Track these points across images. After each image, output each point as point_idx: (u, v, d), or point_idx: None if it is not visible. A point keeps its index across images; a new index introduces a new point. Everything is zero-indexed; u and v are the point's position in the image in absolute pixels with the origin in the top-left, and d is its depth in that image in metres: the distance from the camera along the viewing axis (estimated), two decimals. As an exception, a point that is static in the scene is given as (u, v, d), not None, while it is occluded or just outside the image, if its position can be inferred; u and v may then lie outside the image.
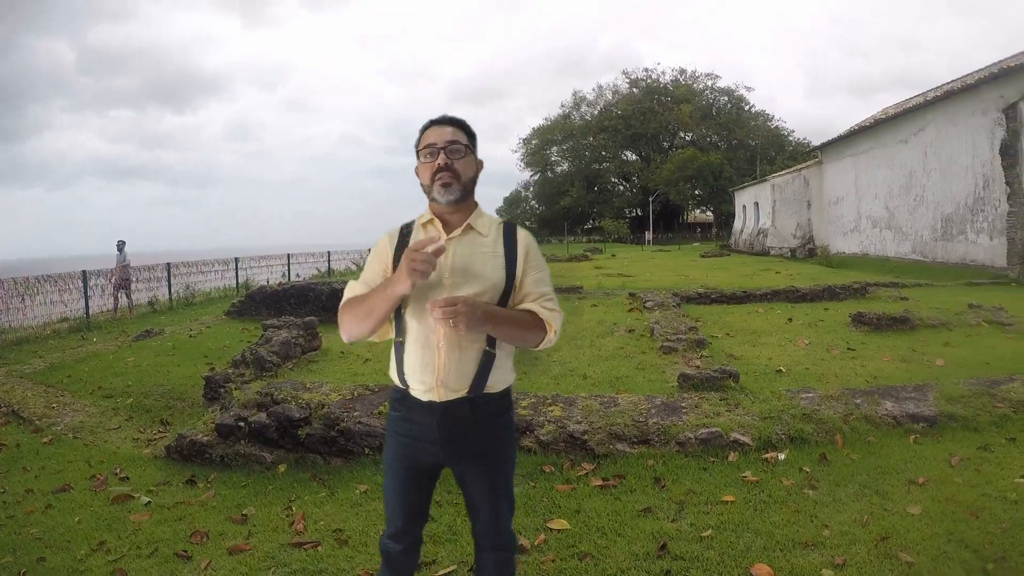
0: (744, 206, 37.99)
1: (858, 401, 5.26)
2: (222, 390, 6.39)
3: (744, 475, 4.10)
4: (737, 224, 39.76)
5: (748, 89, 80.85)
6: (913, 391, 5.59)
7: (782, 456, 4.39)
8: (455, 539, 3.42)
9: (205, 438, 4.95)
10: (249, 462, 4.69)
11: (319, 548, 3.43)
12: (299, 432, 4.75)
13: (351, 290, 2.10)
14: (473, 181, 2.05)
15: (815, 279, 15.51)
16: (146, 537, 3.69)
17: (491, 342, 1.98)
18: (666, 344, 7.48)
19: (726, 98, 69.14)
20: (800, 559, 3.13)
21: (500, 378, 2.03)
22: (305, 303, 13.59)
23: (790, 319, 9.79)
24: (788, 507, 3.69)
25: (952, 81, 22.74)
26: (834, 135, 28.18)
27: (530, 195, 76.30)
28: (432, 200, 2.02)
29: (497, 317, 1.91)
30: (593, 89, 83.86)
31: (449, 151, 1.98)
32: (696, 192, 63.51)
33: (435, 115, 2.10)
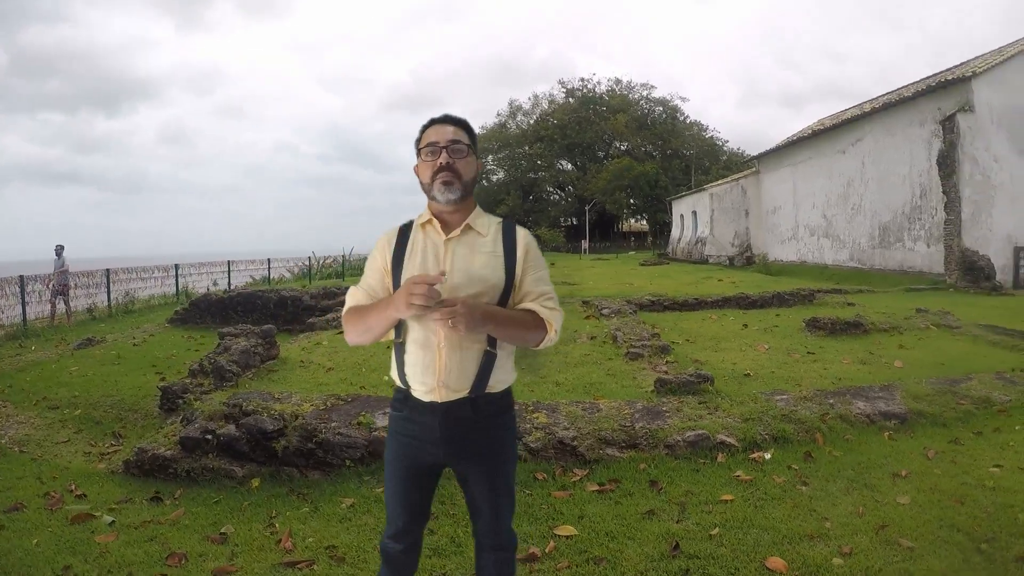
0: (682, 215, 39.21)
1: (831, 401, 5.58)
2: (180, 401, 6.29)
3: (737, 475, 4.29)
4: (675, 233, 40.98)
5: (683, 99, 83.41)
6: (880, 391, 5.96)
7: (768, 456, 4.62)
8: (460, 551, 3.45)
9: (168, 452, 4.82)
10: (218, 477, 4.60)
11: (315, 567, 3.37)
12: (273, 445, 4.67)
13: (352, 297, 2.15)
14: (474, 181, 2.10)
15: (759, 286, 16.20)
16: (116, 560, 3.55)
17: (492, 342, 2.03)
18: (632, 350, 7.69)
19: (661, 108, 71.19)
20: (809, 550, 3.32)
21: (501, 378, 2.09)
22: (252, 311, 13.68)
23: (745, 325, 10.21)
24: (786, 503, 3.89)
25: (889, 93, 24.26)
26: (765, 145, 29.64)
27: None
28: (432, 199, 2.06)
29: (497, 317, 1.95)
30: (529, 98, 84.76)
31: (451, 150, 2.03)
32: (631, 201, 65.06)
33: (436, 115, 2.14)
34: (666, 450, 4.62)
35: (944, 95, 17.56)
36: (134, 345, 10.70)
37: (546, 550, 3.36)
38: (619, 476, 4.28)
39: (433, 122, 2.10)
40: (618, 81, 72.71)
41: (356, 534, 3.73)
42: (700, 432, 4.73)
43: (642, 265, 32.20)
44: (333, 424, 4.89)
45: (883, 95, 24.48)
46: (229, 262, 24.10)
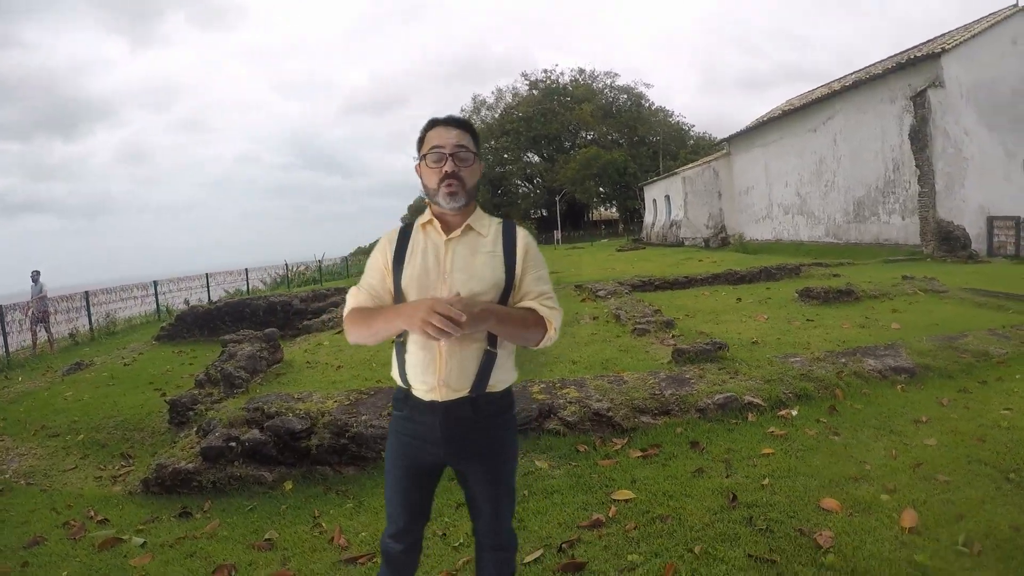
0: (655, 200, 39.70)
1: (843, 361, 5.86)
2: (191, 413, 6.23)
3: (770, 431, 4.53)
4: (648, 218, 41.48)
5: (647, 86, 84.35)
6: (886, 350, 6.26)
7: (795, 412, 4.87)
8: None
9: (190, 465, 4.71)
10: (246, 484, 4.52)
11: (376, 559, 3.34)
12: (303, 444, 4.63)
13: (354, 297, 2.16)
14: (477, 187, 2.11)
15: (743, 263, 16.58)
16: None
17: (492, 342, 2.04)
18: (638, 327, 7.92)
19: (625, 96, 71.76)
20: (856, 491, 3.56)
21: (501, 378, 2.09)
22: (241, 320, 13.58)
23: (739, 299, 10.52)
24: (823, 452, 4.14)
25: (858, 71, 24.86)
26: (730, 128, 30.37)
27: (434, 202, 76.11)
28: (435, 204, 2.08)
29: (498, 314, 1.96)
30: (492, 92, 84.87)
31: (457, 157, 2.03)
32: (601, 190, 65.61)
33: (440, 115, 2.14)
34: (698, 414, 4.84)
35: (914, 72, 18.12)
36: (125, 365, 10.62)
37: (609, 514, 3.50)
38: (659, 441, 4.47)
39: (436, 123, 2.09)
40: (581, 71, 73.18)
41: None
42: (728, 395, 4.96)
43: (619, 251, 32.64)
44: (363, 418, 4.88)
45: (852, 73, 25.12)
46: (207, 275, 23.85)
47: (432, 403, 2.05)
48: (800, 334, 7.49)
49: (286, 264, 31.86)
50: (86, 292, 17.41)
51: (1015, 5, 17.97)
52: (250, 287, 26.60)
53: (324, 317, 11.54)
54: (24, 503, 4.91)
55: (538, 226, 66.96)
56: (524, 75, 77.46)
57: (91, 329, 16.77)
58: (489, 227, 2.11)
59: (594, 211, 76.72)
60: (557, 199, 62.77)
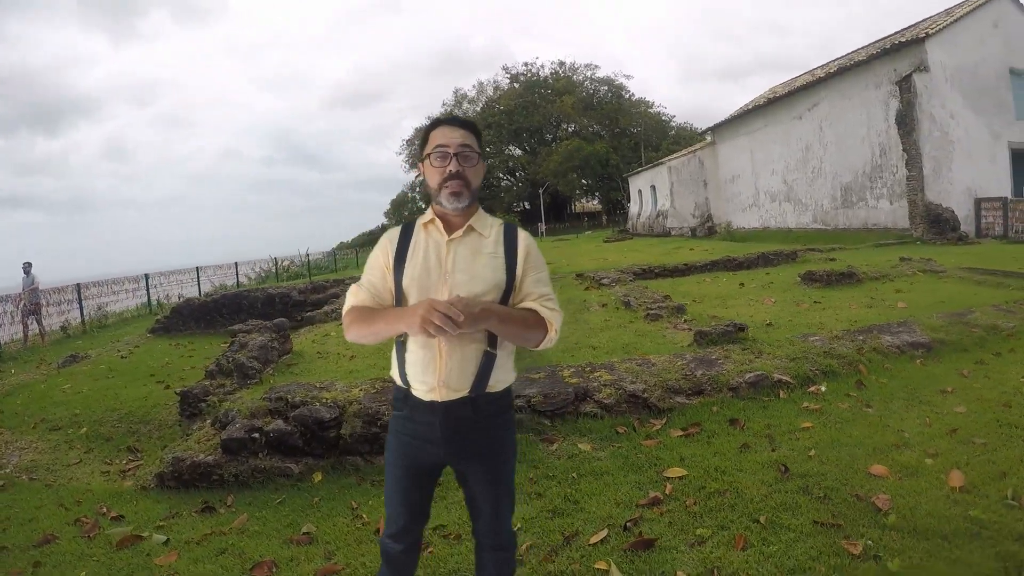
0: (640, 190, 39.94)
1: (861, 338, 6.03)
2: (203, 404, 6.09)
3: (804, 406, 4.67)
4: (633, 209, 41.73)
5: (627, 78, 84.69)
6: (899, 327, 6.43)
7: (824, 388, 5.01)
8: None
9: (209, 458, 4.57)
10: (271, 477, 4.41)
11: (432, 550, 3.32)
12: (331, 434, 4.54)
13: (354, 295, 2.17)
14: (480, 187, 2.12)
15: (738, 250, 16.79)
16: None
17: (492, 342, 2.05)
18: (650, 313, 8.05)
19: (606, 88, 71.98)
20: (901, 456, 3.71)
21: (501, 378, 2.10)
22: (239, 312, 13.45)
23: (741, 284, 10.70)
24: (861, 423, 4.29)
25: (841, 57, 25.23)
26: (711, 118, 30.74)
27: (417, 196, 76.20)
28: (438, 204, 2.09)
29: (499, 314, 1.98)
30: (474, 86, 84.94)
31: (461, 157, 2.04)
32: (584, 182, 65.89)
33: (443, 115, 2.25)
34: (730, 392, 4.96)
35: (898, 57, 18.43)
36: (122, 358, 10.56)
37: (666, 492, 3.58)
38: (697, 420, 4.57)
39: (440, 123, 2.10)
40: (561, 63, 73.32)
41: (459, 512, 3.68)
42: (758, 373, 5.09)
43: (606, 242, 32.84)
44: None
45: (835, 60, 25.46)
46: (198, 268, 23.72)
47: (432, 403, 2.06)
48: (811, 315, 7.66)
49: (275, 259, 31.77)
50: (78, 285, 17.21)
51: (995, -11, 18.32)
52: (238, 281, 26.50)
53: (326, 308, 11.53)
54: (29, 499, 4.78)
55: (521, 219, 67.13)
56: (505, 68, 77.38)
57: (83, 322, 16.66)
58: (491, 228, 2.12)
59: (577, 203, 76.99)
60: (540, 191, 62.89)
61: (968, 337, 6.13)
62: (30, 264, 15.23)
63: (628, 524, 3.27)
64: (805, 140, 23.55)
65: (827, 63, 26.07)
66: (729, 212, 30.34)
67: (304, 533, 3.64)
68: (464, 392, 2.04)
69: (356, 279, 2.41)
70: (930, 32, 17.69)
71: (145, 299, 20.07)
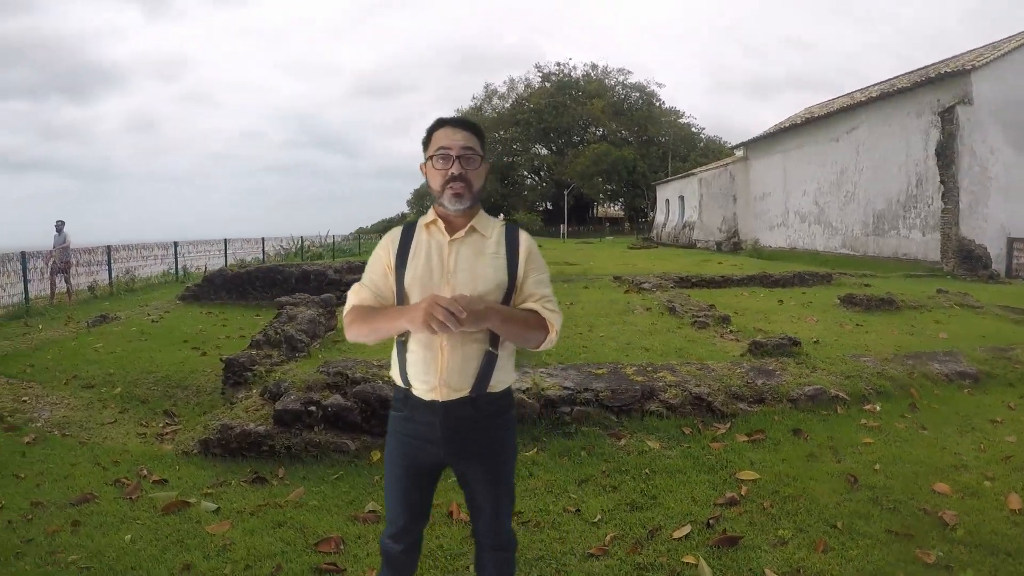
0: (667, 200, 40.03)
1: (911, 363, 6.19)
2: (248, 374, 6.06)
3: (863, 423, 4.86)
4: (659, 218, 41.82)
5: (659, 86, 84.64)
6: (945, 356, 6.58)
7: (878, 407, 5.20)
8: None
9: (260, 428, 4.53)
10: (325, 452, 4.39)
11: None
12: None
13: (355, 294, 2.18)
14: (483, 189, 2.13)
15: (764, 268, 16.92)
16: (247, 552, 3.25)
17: (493, 342, 2.06)
18: (697, 320, 8.25)
19: (638, 94, 72.01)
20: (960, 477, 3.91)
21: (501, 378, 2.11)
22: (272, 286, 13.36)
23: (780, 301, 10.85)
24: (918, 444, 4.47)
25: (881, 83, 25.25)
26: (736, 132, 30.88)
27: (438, 188, 76.34)
28: (440, 205, 2.10)
29: (502, 314, 1.99)
30: (504, 82, 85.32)
31: (464, 159, 2.04)
32: (608, 187, 65.99)
33: (446, 115, 2.16)
34: (789, 403, 5.15)
35: (943, 87, 18.43)
36: (152, 322, 10.62)
37: (742, 493, 3.76)
38: (761, 427, 4.74)
39: (443, 123, 2.10)
40: (594, 66, 73.38)
41: (533, 497, 3.79)
42: (817, 387, 5.28)
43: (631, 248, 32.97)
44: None
45: (876, 84, 25.45)
46: (225, 240, 23.99)
47: (432, 403, 2.07)
48: (855, 337, 7.82)
49: (300, 238, 32.17)
50: (108, 247, 17.31)
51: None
52: (264, 257, 26.77)
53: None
54: (62, 455, 4.71)
55: (543, 219, 67.29)
56: (537, 67, 77.55)
57: (110, 284, 16.65)
58: (492, 229, 2.13)
59: (599, 207, 77.08)
60: (566, 192, 63.00)
61: (1012, 372, 6.26)
62: (63, 222, 15.12)
63: (710, 521, 3.41)
64: (840, 163, 23.58)
65: (867, 87, 26.07)
66: (756, 229, 30.39)
67: (370, 511, 3.62)
68: (465, 392, 2.06)
69: None
70: (976, 65, 17.68)
71: (168, 266, 20.14)
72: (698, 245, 32.68)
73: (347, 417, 4.56)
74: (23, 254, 13.82)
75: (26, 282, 13.58)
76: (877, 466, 4.08)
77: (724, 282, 12.94)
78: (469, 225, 2.09)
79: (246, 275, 13.90)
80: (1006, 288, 14.65)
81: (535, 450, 4.43)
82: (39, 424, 5.49)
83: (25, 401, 6.05)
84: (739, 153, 35.22)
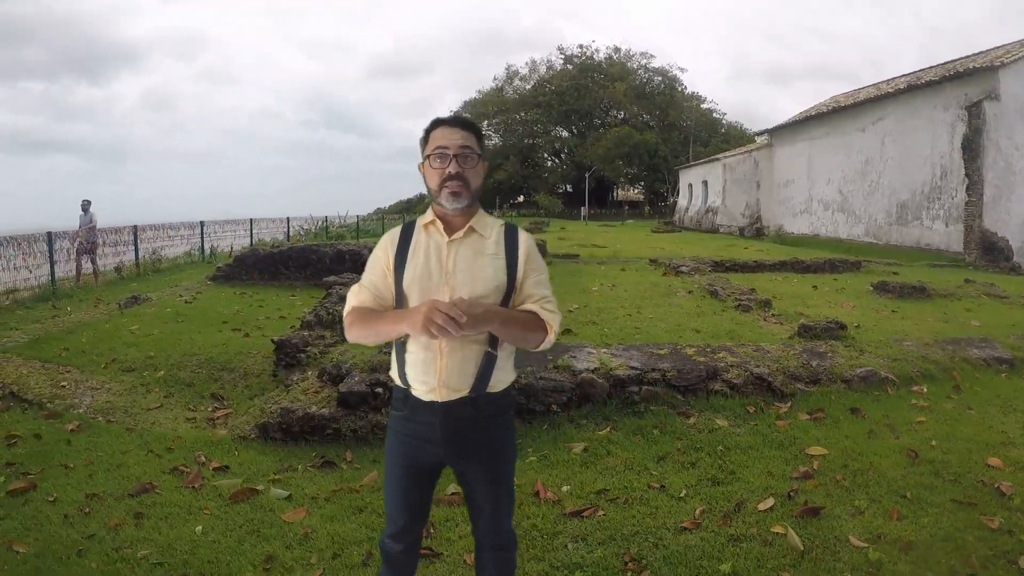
0: (691, 184, 39.95)
1: (950, 348, 6.40)
2: (302, 355, 5.93)
3: (913, 403, 5.09)
4: (682, 202, 41.76)
5: (681, 70, 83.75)
6: (981, 342, 6.77)
7: (925, 389, 5.43)
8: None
9: (324, 410, 4.44)
10: None
11: (601, 512, 3.41)
12: None
13: (355, 295, 2.14)
14: (481, 188, 2.09)
15: (785, 255, 17.03)
16: (331, 540, 3.18)
17: (492, 343, 2.04)
18: (741, 304, 8.48)
19: (660, 78, 71.30)
20: (1011, 453, 4.15)
21: (501, 378, 2.09)
22: (306, 266, 13.05)
23: (814, 287, 11.03)
24: (967, 423, 4.71)
25: (906, 75, 25.03)
26: (756, 119, 31.01)
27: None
28: (438, 204, 2.07)
29: (501, 316, 1.96)
30: (526, 63, 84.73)
31: (461, 158, 2.00)
32: (629, 170, 65.75)
33: (444, 114, 2.30)
34: (843, 384, 5.39)
35: (970, 82, 18.35)
36: (186, 303, 10.29)
37: (814, 467, 3.96)
38: (820, 406, 4.95)
39: (440, 123, 2.07)
40: (617, 49, 72.63)
41: (614, 475, 3.86)
42: (869, 369, 5.52)
43: (654, 232, 33.03)
44: (529, 368, 4.84)
45: (903, 76, 25.23)
46: (251, 220, 23.69)
47: (432, 403, 2.04)
48: (893, 323, 8.01)
49: (326, 218, 32.36)
50: (134, 226, 16.80)
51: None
52: (288, 235, 26.60)
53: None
54: (110, 443, 4.51)
55: (564, 201, 67.24)
56: (560, 49, 77.17)
57: (137, 264, 16.08)
58: (491, 229, 2.09)
59: (619, 191, 76.84)
60: (587, 175, 62.88)
61: (1047, 358, 6.47)
62: (89, 202, 14.41)
63: (790, 494, 3.58)
64: (866, 153, 23.51)
65: (893, 79, 25.86)
66: (779, 215, 30.35)
67: (452, 494, 3.56)
68: (464, 392, 2.03)
69: None
70: (1004, 61, 17.58)
71: (191, 247, 19.55)
72: (721, 230, 32.70)
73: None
74: (49, 234, 13.16)
75: (52, 263, 12.95)
76: (933, 442, 4.32)
77: (757, 267, 13.13)
78: (468, 225, 2.05)
79: (279, 255, 13.38)
80: (1029, 280, 14.74)
81: (608, 429, 4.53)
82: (81, 410, 5.24)
83: (64, 386, 5.80)
84: (763, 140, 35.04)
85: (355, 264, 12.79)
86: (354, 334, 2.08)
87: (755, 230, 31.09)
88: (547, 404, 4.69)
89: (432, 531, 3.26)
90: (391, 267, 2.07)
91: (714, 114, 69.57)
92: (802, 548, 3.06)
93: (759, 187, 31.86)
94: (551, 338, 2.07)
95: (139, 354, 6.89)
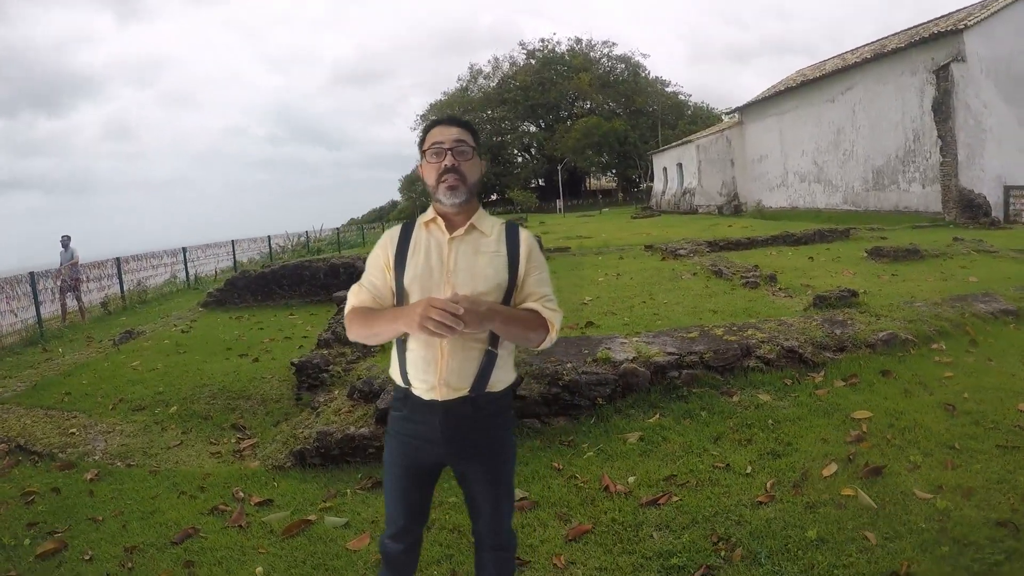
0: (665, 168, 40.39)
1: (958, 305, 6.68)
2: (324, 375, 5.82)
3: (936, 360, 5.35)
4: (657, 186, 42.20)
5: (644, 56, 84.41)
6: (984, 297, 7.07)
7: (944, 346, 5.70)
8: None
9: (363, 430, 4.37)
10: None
11: (676, 498, 3.46)
12: None
13: (355, 295, 2.14)
14: (478, 183, 2.10)
15: (767, 229, 17.39)
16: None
17: (493, 342, 2.03)
18: (748, 281, 8.73)
19: (623, 66, 71.86)
20: (1037, 399, 4.42)
21: (501, 377, 2.08)
22: (300, 283, 12.84)
23: (811, 258, 11.36)
24: (991, 373, 4.97)
25: (872, 43, 25.59)
26: (719, 98, 31.05)
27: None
28: (437, 201, 2.07)
29: (503, 315, 1.96)
30: (489, 61, 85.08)
31: (456, 152, 2.02)
32: (600, 159, 66.23)
33: (441, 116, 2.44)
34: (868, 349, 5.61)
35: (936, 46, 18.88)
36: (183, 332, 10.00)
37: (863, 430, 4.14)
38: (852, 372, 5.12)
39: (437, 123, 2.11)
40: (578, 40, 73.10)
41: (675, 460, 3.94)
42: (890, 332, 5.77)
43: (634, 218, 33.34)
44: (569, 365, 4.86)
45: (868, 45, 25.79)
46: (233, 242, 23.40)
47: (432, 403, 2.04)
48: (896, 286, 8.32)
49: (306, 233, 32.29)
50: (117, 259, 16.20)
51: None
52: (271, 254, 26.25)
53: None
54: (137, 489, 4.29)
55: (538, 195, 67.54)
56: (521, 44, 77.59)
57: (123, 297, 15.51)
58: (492, 227, 2.10)
59: (591, 180, 77.33)
60: (559, 167, 63.21)
61: (1047, 307, 6.79)
62: (69, 237, 13.93)
63: (850, 457, 3.72)
64: (837, 123, 24.03)
65: (858, 48, 26.41)
66: (756, 191, 30.86)
67: (520, 498, 3.54)
68: (465, 391, 2.03)
69: None
70: (968, 24, 18.09)
71: (173, 274, 19.08)
72: (700, 210, 33.15)
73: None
74: (32, 274, 12.59)
75: (37, 305, 12.41)
76: (965, 395, 4.57)
77: (750, 244, 13.44)
78: (469, 223, 2.06)
79: (271, 275, 13.09)
80: (1010, 233, 15.16)
81: (656, 416, 4.58)
82: (97, 457, 4.99)
83: (73, 433, 5.55)
84: (732, 118, 35.58)
85: (350, 277, 12.11)
86: (354, 334, 2.09)
87: (733, 207, 31.56)
88: (592, 398, 4.73)
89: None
90: (391, 265, 2.07)
91: (680, 96, 70.25)
92: (875, 506, 3.24)
93: (733, 165, 32.37)
94: (552, 337, 2.07)
95: (147, 391, 6.63)
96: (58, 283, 13.43)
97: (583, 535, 3.19)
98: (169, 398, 6.31)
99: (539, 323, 2.03)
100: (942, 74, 18.09)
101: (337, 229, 36.40)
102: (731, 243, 13.44)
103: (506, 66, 74.37)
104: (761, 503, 3.37)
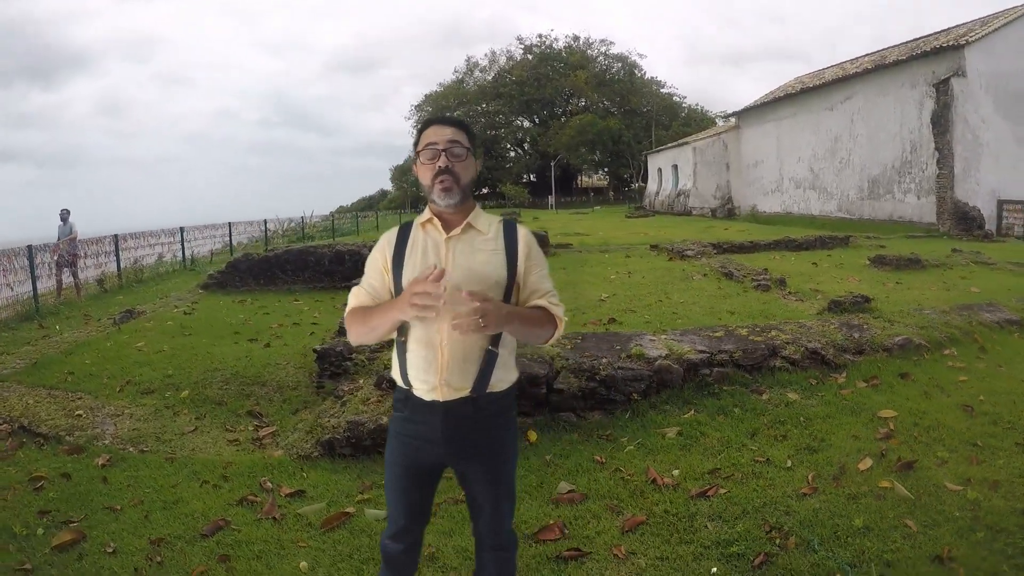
0: (660, 169, 40.79)
1: (965, 313, 7.01)
2: (347, 363, 5.72)
3: (950, 365, 5.66)
4: (651, 187, 42.60)
5: (641, 56, 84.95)
6: (988, 307, 7.41)
7: (955, 352, 6.02)
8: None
9: None
10: None
11: (723, 490, 3.56)
12: (541, 391, 4.48)
13: (355, 296, 2.15)
14: (473, 183, 2.10)
15: (763, 233, 17.79)
16: (461, 558, 3.08)
17: (494, 341, 2.04)
18: (759, 284, 9.03)
19: (620, 64, 72.25)
20: (1051, 402, 4.74)
21: (502, 377, 2.09)
22: (304, 269, 12.73)
23: (815, 263, 11.70)
24: (1003, 378, 5.28)
25: (873, 53, 26.08)
26: (714, 101, 31.75)
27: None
28: (432, 202, 2.07)
29: (520, 316, 1.99)
30: (486, 55, 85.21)
31: (450, 153, 2.02)
32: (592, 157, 66.64)
33: (436, 115, 2.25)
34: (884, 352, 5.90)
35: (937, 60, 19.35)
36: (185, 315, 9.77)
37: (891, 428, 4.39)
38: (872, 373, 5.38)
39: (431, 123, 2.10)
40: (576, 37, 73.44)
41: (715, 455, 4.03)
42: (905, 337, 6.07)
43: (628, 218, 33.70)
44: (604, 360, 4.90)
45: (868, 55, 26.28)
46: (230, 224, 23.27)
47: (432, 403, 2.04)
48: (902, 294, 8.65)
49: (302, 219, 32.15)
50: (115, 236, 15.90)
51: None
52: (267, 238, 25.89)
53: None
54: (153, 477, 4.11)
55: (529, 190, 67.85)
56: (519, 39, 77.69)
57: (119, 276, 15.17)
58: (490, 225, 2.10)
59: (583, 178, 77.73)
60: (553, 164, 63.50)
61: (1050, 318, 7.14)
62: (68, 211, 13.62)
63: (882, 452, 3.94)
64: (835, 131, 24.48)
65: (859, 58, 26.91)
66: (751, 196, 31.30)
67: (568, 491, 3.60)
68: (465, 391, 2.03)
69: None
70: (970, 40, 18.56)
71: (169, 253, 18.75)
72: (693, 212, 33.55)
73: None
74: (30, 248, 12.23)
75: (34, 280, 12.07)
76: (981, 397, 4.87)
77: (753, 247, 13.77)
78: (465, 222, 2.06)
79: (275, 259, 12.90)
80: (1003, 246, 15.62)
81: (691, 412, 4.68)
82: (107, 441, 4.78)
83: (80, 415, 5.31)
84: (727, 123, 36.03)
85: (355, 264, 12.26)
86: (354, 334, 2.10)
87: (727, 211, 32.00)
88: (627, 393, 4.81)
89: (567, 531, 3.26)
90: (389, 267, 2.08)
91: (674, 98, 70.77)
92: (912, 497, 3.50)
93: (729, 169, 32.79)
94: (560, 332, 2.10)
95: (155, 373, 6.44)
96: (55, 257, 13.08)
97: (638, 526, 3.27)
98: (179, 382, 6.15)
99: (548, 320, 2.06)
100: (942, 88, 18.54)
101: (332, 215, 36.22)
102: (734, 246, 13.76)
103: (503, 60, 74.60)
104: (805, 495, 3.53)
